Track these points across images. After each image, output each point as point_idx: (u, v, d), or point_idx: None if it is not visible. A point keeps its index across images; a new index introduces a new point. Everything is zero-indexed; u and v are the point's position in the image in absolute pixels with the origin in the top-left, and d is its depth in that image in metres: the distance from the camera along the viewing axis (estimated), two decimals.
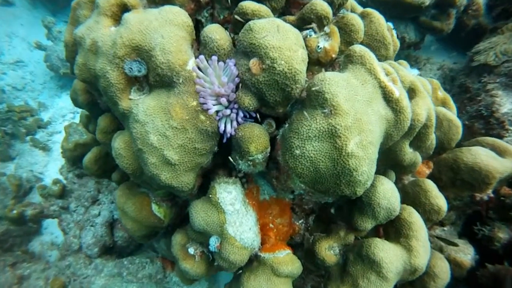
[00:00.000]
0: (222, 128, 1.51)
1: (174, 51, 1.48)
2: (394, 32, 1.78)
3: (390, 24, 1.77)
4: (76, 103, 2.18)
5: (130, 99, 1.62)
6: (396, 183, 1.99)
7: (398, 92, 1.49)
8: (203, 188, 1.83)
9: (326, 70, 1.61)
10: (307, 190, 1.56)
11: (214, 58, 1.44)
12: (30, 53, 5.39)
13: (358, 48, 1.51)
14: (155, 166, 1.53)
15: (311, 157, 1.41)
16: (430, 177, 2.03)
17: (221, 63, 1.43)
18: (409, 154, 1.76)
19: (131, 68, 1.55)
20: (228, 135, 1.52)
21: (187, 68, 1.48)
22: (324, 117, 1.39)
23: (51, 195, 2.99)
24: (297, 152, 1.43)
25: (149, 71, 1.56)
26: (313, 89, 1.39)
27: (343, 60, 1.57)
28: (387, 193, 1.63)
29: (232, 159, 1.63)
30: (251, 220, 1.65)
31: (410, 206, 1.76)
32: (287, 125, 1.51)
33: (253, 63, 1.38)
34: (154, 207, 1.90)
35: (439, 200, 1.78)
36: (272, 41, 1.35)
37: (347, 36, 1.66)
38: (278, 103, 1.45)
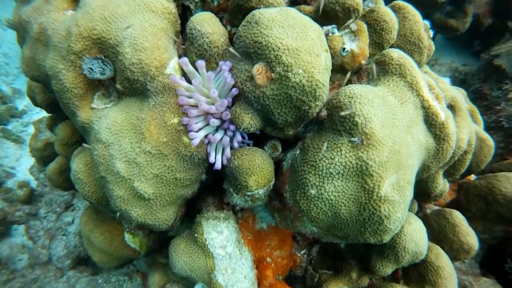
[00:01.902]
0: (212, 157, 1.08)
1: (149, 48, 1.03)
2: (431, 33, 1.36)
3: (427, 23, 1.36)
4: (34, 102, 1.71)
5: (92, 108, 1.18)
6: (417, 212, 1.63)
7: (444, 114, 1.10)
8: (188, 213, 1.42)
9: (350, 81, 1.19)
10: (320, 233, 1.17)
11: (201, 64, 1.00)
12: (3, 33, 4.70)
13: (396, 54, 1.10)
14: (123, 200, 1.11)
15: (331, 199, 1.01)
16: (455, 205, 1.67)
17: (210, 72, 0.99)
18: (441, 184, 1.38)
19: (91, 69, 1.09)
20: (219, 166, 1.10)
21: (166, 71, 1.04)
22: (352, 148, 0.98)
23: (16, 200, 2.52)
24: (313, 192, 1.02)
25: (116, 74, 1.11)
26: (342, 113, 0.98)
27: (373, 69, 1.15)
28: (415, 235, 1.25)
29: (225, 190, 1.22)
30: (247, 265, 1.26)
31: (437, 246, 1.40)
32: (298, 152, 1.10)
33: (258, 70, 0.94)
34: (128, 237, 1.48)
35: (470, 238, 1.42)
36: (287, 40, 0.92)
37: (376, 36, 1.23)
38: (290, 124, 1.04)
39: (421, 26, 1.30)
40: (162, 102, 1.04)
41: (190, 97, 1.04)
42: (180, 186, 1.13)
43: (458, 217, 1.46)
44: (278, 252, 1.60)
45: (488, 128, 2.32)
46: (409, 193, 1.06)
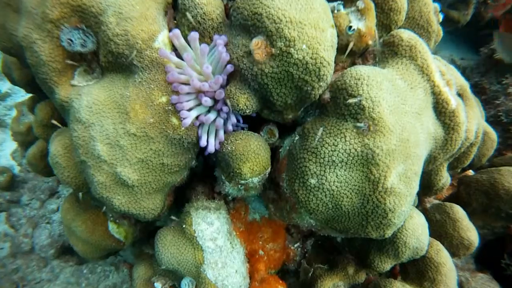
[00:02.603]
0: (203, 141, 0.98)
1: (136, 18, 0.92)
2: (441, 16, 1.27)
3: (437, 5, 1.26)
4: (11, 79, 1.57)
5: (73, 85, 1.06)
6: (416, 206, 1.56)
7: (455, 102, 1.01)
8: (177, 202, 1.32)
9: (354, 63, 1.09)
10: (318, 226, 1.09)
11: (194, 36, 0.89)
12: None
13: (406, 35, 1.00)
14: (105, 187, 1.00)
15: (332, 190, 0.92)
16: (454, 199, 1.61)
17: (204, 45, 0.88)
18: (445, 177, 1.31)
19: (71, 40, 0.97)
20: (212, 149, 1.00)
21: (154, 45, 0.93)
22: (358, 134, 0.89)
23: None
24: (313, 182, 0.93)
25: (99, 46, 0.99)
26: (350, 101, 0.88)
27: (380, 50, 1.05)
28: (417, 230, 1.18)
29: (217, 178, 1.12)
30: (238, 259, 1.17)
31: (437, 242, 1.33)
32: (297, 138, 1.01)
33: (257, 45, 0.84)
34: (112, 226, 1.37)
35: (471, 234, 1.36)
36: (290, 11, 0.81)
37: (384, 16, 1.13)
38: (289, 106, 0.94)
39: (431, 9, 1.21)
40: (149, 79, 0.93)
41: (180, 74, 0.93)
42: (168, 172, 1.02)
43: (459, 212, 1.40)
44: (271, 244, 1.52)
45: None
46: (416, 185, 0.97)
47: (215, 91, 0.92)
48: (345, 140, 0.89)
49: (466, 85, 1.22)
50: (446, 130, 1.03)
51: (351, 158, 0.89)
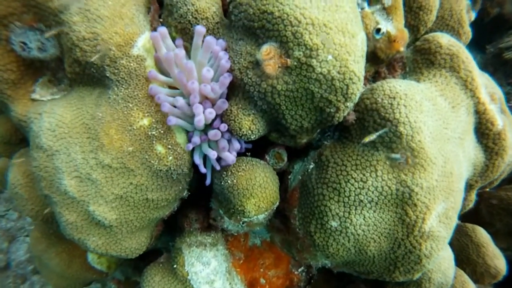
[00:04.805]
0: (203, 168, 0.77)
1: (108, 17, 0.69)
2: (473, 15, 1.07)
3: (469, 2, 1.06)
4: None
5: (33, 99, 0.83)
6: None
7: (502, 122, 0.82)
8: (168, 224, 1.11)
9: (378, 73, 0.89)
10: (333, 266, 0.90)
11: (200, 30, 0.67)
12: None
13: (445, 40, 0.80)
14: (76, 227, 0.78)
15: (358, 234, 0.73)
16: (473, 217, 1.44)
17: (210, 37, 0.65)
18: (473, 202, 1.13)
19: (25, 44, 0.74)
20: (209, 181, 0.79)
21: (132, 52, 0.70)
22: (392, 168, 0.69)
23: None
24: (334, 224, 0.73)
25: (63, 52, 0.76)
26: (379, 114, 0.68)
27: (411, 58, 0.85)
28: (443, 264, 1.00)
29: (213, 210, 0.92)
30: None
31: (461, 272, 1.16)
32: (312, 166, 0.80)
33: (268, 53, 0.62)
34: (92, 257, 1.16)
35: (498, 262, 1.19)
36: (311, 10, 0.60)
37: (411, 16, 0.93)
38: (305, 130, 0.73)
39: (464, 6, 1.00)
40: (126, 96, 0.70)
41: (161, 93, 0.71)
42: (154, 208, 0.81)
43: (483, 235, 1.23)
44: (273, 271, 1.33)
45: None
46: (455, 224, 0.79)
47: (215, 100, 0.70)
48: (376, 176, 0.69)
49: (501, 94, 1.03)
50: (488, 155, 0.84)
51: (383, 198, 0.70)
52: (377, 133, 0.66)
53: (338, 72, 0.61)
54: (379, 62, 0.85)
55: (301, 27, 0.59)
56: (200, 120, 0.69)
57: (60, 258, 1.13)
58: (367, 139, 0.66)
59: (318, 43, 0.59)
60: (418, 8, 0.91)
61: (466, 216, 1.52)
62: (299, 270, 1.42)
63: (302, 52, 0.60)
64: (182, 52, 0.66)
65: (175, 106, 0.71)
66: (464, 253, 1.24)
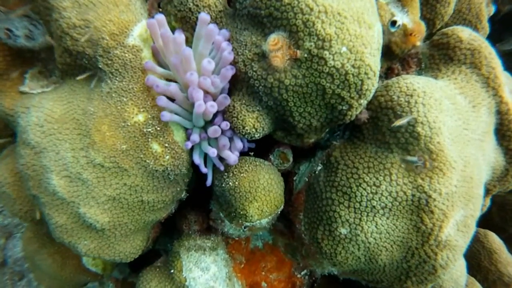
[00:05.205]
0: (204, 168, 0.72)
1: (102, 3, 0.63)
2: (493, 9, 1.01)
3: None
4: None
5: (22, 92, 0.77)
6: None
7: None
8: (166, 226, 1.06)
9: (391, 69, 0.83)
10: (339, 273, 0.84)
11: (204, 18, 0.61)
12: None
13: (466, 34, 0.73)
14: (66, 230, 0.73)
15: (369, 243, 0.67)
16: (483, 221, 1.38)
17: (213, 25, 0.60)
18: (486, 207, 1.07)
19: (10, 31, 0.68)
20: (209, 182, 0.74)
21: (127, 41, 0.64)
22: (408, 172, 0.63)
23: None
24: (343, 231, 0.68)
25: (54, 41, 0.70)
26: (397, 124, 0.62)
27: (428, 53, 0.79)
28: (456, 272, 0.94)
29: (213, 212, 0.86)
30: None
31: (473, 279, 1.10)
32: (320, 168, 0.75)
33: (275, 44, 0.56)
34: (86, 258, 1.11)
35: None
36: None
37: (427, 8, 0.87)
38: (313, 129, 0.67)
39: (484, 0, 0.94)
40: (120, 89, 0.65)
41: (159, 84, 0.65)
42: (149, 210, 0.76)
43: (495, 241, 1.17)
44: (275, 274, 1.27)
45: None
46: (473, 232, 0.73)
47: (216, 95, 0.64)
48: (391, 180, 0.64)
49: None
50: (508, 159, 0.79)
51: (397, 204, 0.64)
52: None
53: (353, 66, 0.55)
54: (393, 58, 0.79)
55: (313, 15, 0.53)
56: (201, 105, 0.62)
57: (53, 259, 1.08)
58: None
59: (332, 34, 0.53)
60: (435, 0, 0.85)
61: (477, 221, 1.47)
62: (302, 273, 1.36)
63: (313, 43, 0.54)
64: (181, 36, 0.60)
65: (173, 101, 0.65)
66: (475, 260, 1.18)
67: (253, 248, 1.23)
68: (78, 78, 0.69)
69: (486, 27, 1.01)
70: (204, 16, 0.60)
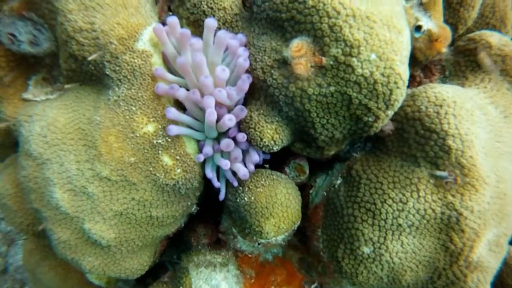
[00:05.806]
0: (217, 182, 0.67)
1: (110, 5, 0.59)
2: None
3: None
4: None
5: (25, 99, 0.73)
6: None
7: None
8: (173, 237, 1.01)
9: (413, 77, 0.78)
10: None
11: (211, 23, 0.57)
12: None
13: (496, 39, 0.69)
14: (69, 246, 0.68)
15: (394, 263, 0.62)
16: None
17: (223, 31, 0.55)
18: None
19: (14, 36, 0.64)
20: (222, 196, 0.69)
21: (137, 46, 0.60)
22: (437, 188, 0.59)
23: None
24: (366, 250, 0.63)
25: (59, 46, 0.66)
26: (423, 124, 0.58)
27: (453, 59, 0.74)
28: None
29: (224, 226, 0.82)
30: None
31: None
32: (340, 181, 0.70)
33: (298, 50, 0.52)
34: None
35: None
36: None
37: (449, 13, 0.82)
38: (335, 141, 0.63)
39: (509, 3, 0.90)
40: (128, 97, 0.60)
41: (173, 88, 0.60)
42: (158, 226, 0.71)
43: None
44: None
45: None
46: (506, 252, 0.68)
47: (231, 107, 0.60)
48: (418, 196, 0.59)
49: None
50: None
51: (425, 222, 0.59)
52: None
53: (382, 75, 0.51)
54: (416, 64, 0.74)
55: (340, 19, 0.49)
56: (212, 113, 0.57)
57: (55, 273, 1.04)
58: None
59: (360, 39, 0.49)
60: (459, 4, 0.81)
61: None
62: (312, 286, 1.31)
63: (340, 49, 0.49)
64: (198, 43, 0.56)
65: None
66: (498, 277, 1.13)
67: (262, 261, 1.18)
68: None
69: (510, 31, 0.96)
70: (210, 22, 0.56)
